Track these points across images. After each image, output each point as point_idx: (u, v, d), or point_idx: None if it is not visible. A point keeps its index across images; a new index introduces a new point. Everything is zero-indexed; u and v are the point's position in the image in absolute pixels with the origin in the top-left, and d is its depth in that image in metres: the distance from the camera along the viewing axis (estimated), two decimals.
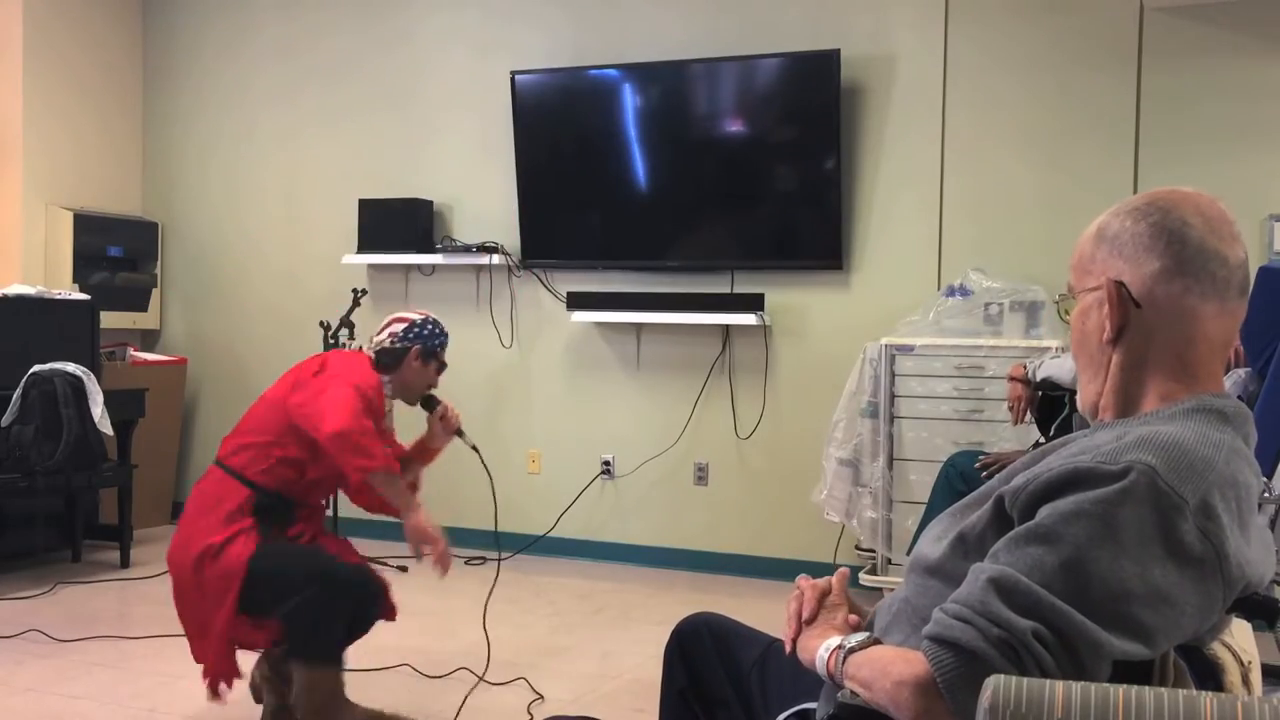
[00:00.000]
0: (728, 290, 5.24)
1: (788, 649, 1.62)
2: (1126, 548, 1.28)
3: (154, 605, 4.66)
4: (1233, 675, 1.43)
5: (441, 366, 3.27)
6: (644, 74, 5.29)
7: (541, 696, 3.52)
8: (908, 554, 3.22)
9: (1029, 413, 3.90)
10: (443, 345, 3.26)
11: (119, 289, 6.15)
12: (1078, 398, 1.56)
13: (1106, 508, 1.29)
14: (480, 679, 3.57)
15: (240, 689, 3.56)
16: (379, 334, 3.24)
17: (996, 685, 1.13)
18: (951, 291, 4.68)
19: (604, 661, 3.96)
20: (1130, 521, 1.29)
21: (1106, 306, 1.45)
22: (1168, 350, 1.44)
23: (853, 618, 1.59)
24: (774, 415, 5.21)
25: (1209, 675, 1.41)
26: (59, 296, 5.25)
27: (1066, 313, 1.56)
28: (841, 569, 1.69)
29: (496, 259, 5.56)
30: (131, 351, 5.99)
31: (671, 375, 5.39)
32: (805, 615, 1.59)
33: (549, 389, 5.63)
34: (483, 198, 5.70)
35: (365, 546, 4.85)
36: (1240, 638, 1.47)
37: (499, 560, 4.58)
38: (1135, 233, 1.45)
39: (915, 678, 1.32)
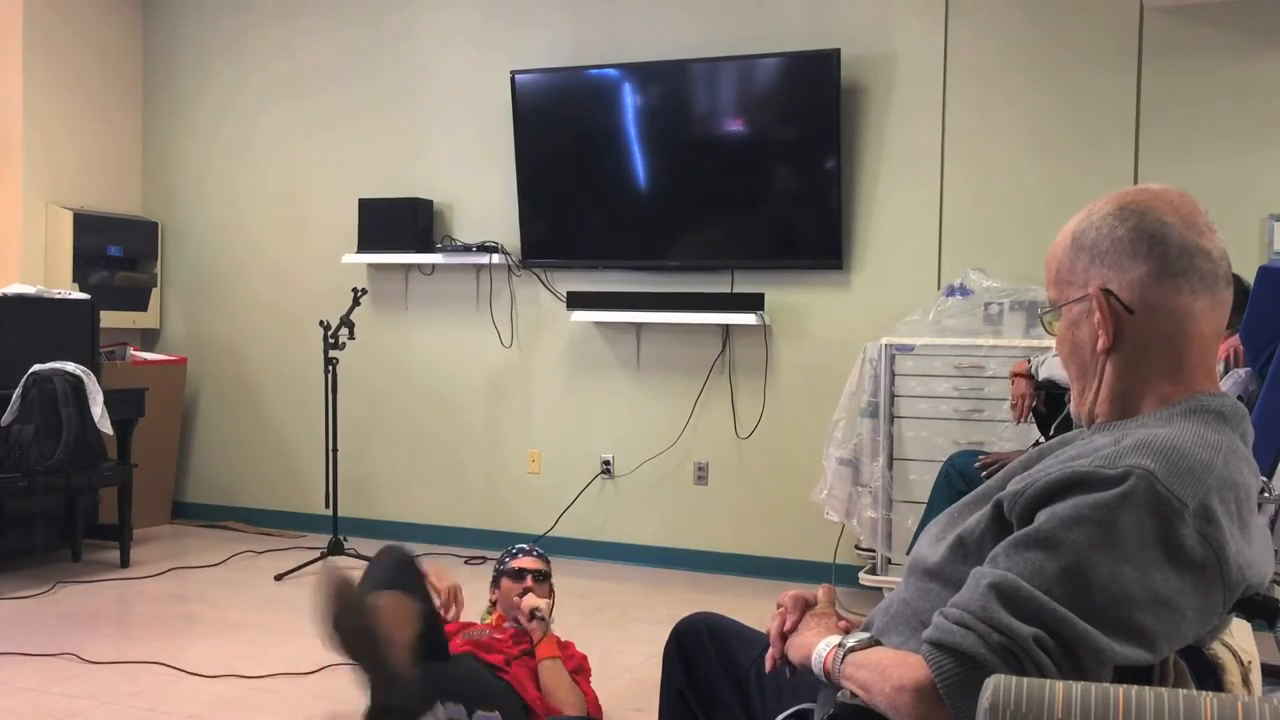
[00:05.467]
0: (728, 290, 5.23)
1: (768, 666, 1.62)
2: (1127, 553, 1.28)
3: (154, 605, 4.66)
4: (1233, 675, 1.42)
5: (514, 574, 3.26)
6: (644, 74, 5.29)
7: None
8: (907, 554, 3.21)
9: (1031, 411, 3.90)
10: (506, 559, 3.31)
11: (119, 288, 6.15)
12: (1071, 406, 1.55)
13: (1106, 513, 1.29)
14: None
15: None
16: None
17: (997, 685, 1.13)
18: (951, 291, 4.68)
19: (604, 661, 3.96)
20: (1130, 526, 1.28)
21: (1098, 316, 1.44)
22: (1164, 351, 1.43)
23: (842, 623, 1.59)
24: (774, 415, 5.21)
25: (1209, 675, 1.41)
26: (59, 296, 5.24)
27: (1051, 326, 1.55)
28: (826, 585, 1.69)
29: (496, 258, 5.56)
30: (131, 351, 5.99)
31: (671, 375, 5.39)
32: (786, 628, 1.61)
33: (549, 389, 5.63)
34: (483, 197, 5.70)
35: (366, 545, 4.86)
36: (1240, 638, 1.47)
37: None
38: (1115, 239, 1.44)
39: (915, 683, 1.31)
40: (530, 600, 3.12)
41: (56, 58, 6.00)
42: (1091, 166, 4.65)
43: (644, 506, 5.45)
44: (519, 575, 3.23)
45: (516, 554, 3.32)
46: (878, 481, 4.50)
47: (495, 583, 3.27)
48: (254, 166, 6.23)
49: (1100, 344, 1.45)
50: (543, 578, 3.27)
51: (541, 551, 3.37)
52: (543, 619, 3.08)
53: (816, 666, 1.49)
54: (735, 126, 5.18)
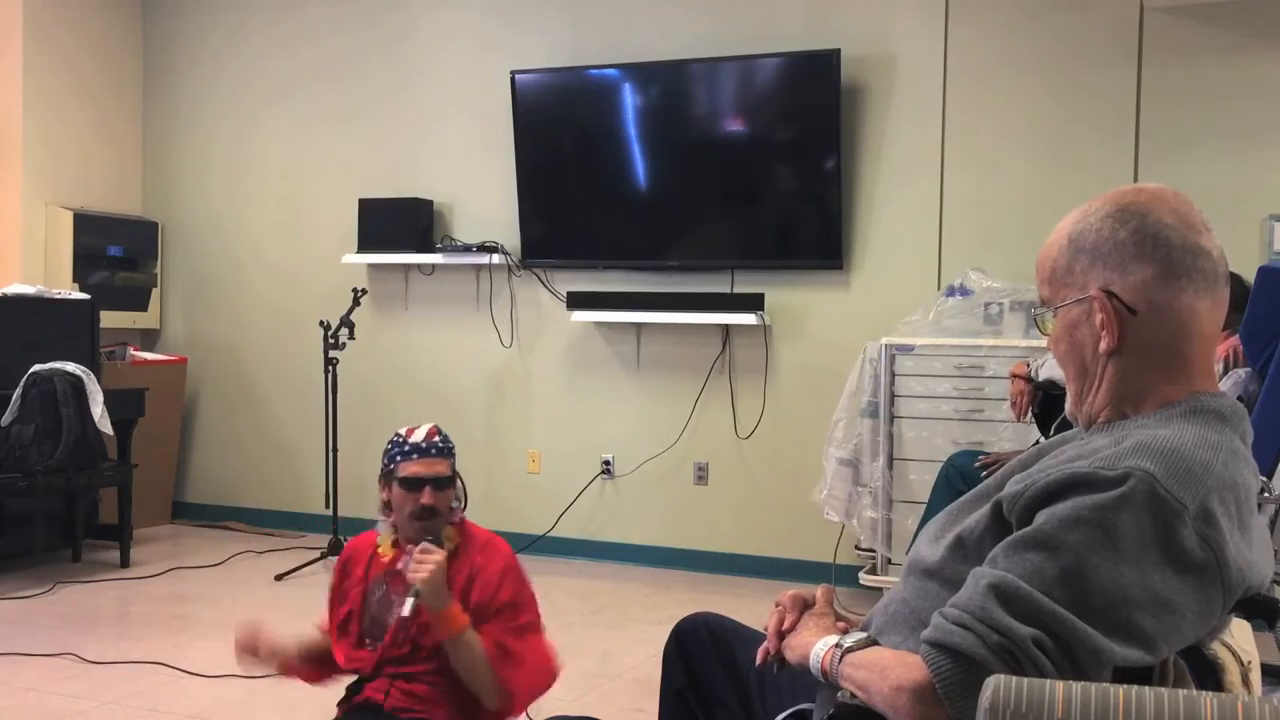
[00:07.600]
0: (728, 290, 5.23)
1: (759, 661, 1.62)
2: (1126, 554, 1.28)
3: (154, 605, 4.66)
4: (1233, 675, 1.42)
5: (407, 483, 2.38)
6: (644, 74, 5.29)
7: None
8: (907, 554, 3.22)
9: (1030, 410, 3.90)
10: (396, 458, 2.41)
11: (119, 289, 6.15)
12: (1068, 408, 1.55)
13: (1105, 514, 1.29)
14: None
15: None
16: None
17: (996, 685, 1.13)
18: (951, 291, 4.68)
19: (604, 661, 3.96)
20: (1129, 528, 1.28)
21: (1100, 317, 1.44)
22: (1167, 352, 1.43)
23: (840, 624, 1.59)
24: (774, 415, 5.21)
25: (1209, 675, 1.41)
26: (59, 296, 5.25)
27: (1045, 325, 1.54)
28: (825, 585, 1.69)
29: (496, 259, 5.56)
30: (131, 351, 5.99)
31: (671, 375, 5.39)
32: (785, 626, 1.61)
33: (549, 389, 5.63)
34: (483, 198, 5.70)
35: None
36: (1240, 638, 1.47)
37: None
38: (1117, 241, 1.43)
39: (914, 683, 1.31)
40: (411, 573, 2.25)
41: (56, 58, 6.00)
42: (1091, 166, 4.65)
43: (644, 506, 5.45)
44: (414, 485, 2.37)
45: (410, 452, 2.38)
46: (878, 481, 4.51)
47: (386, 480, 2.42)
48: (254, 166, 6.23)
49: (1104, 345, 1.44)
50: (442, 484, 2.39)
51: (440, 441, 2.42)
52: (416, 596, 2.22)
53: (813, 667, 1.49)
54: (735, 126, 5.18)
